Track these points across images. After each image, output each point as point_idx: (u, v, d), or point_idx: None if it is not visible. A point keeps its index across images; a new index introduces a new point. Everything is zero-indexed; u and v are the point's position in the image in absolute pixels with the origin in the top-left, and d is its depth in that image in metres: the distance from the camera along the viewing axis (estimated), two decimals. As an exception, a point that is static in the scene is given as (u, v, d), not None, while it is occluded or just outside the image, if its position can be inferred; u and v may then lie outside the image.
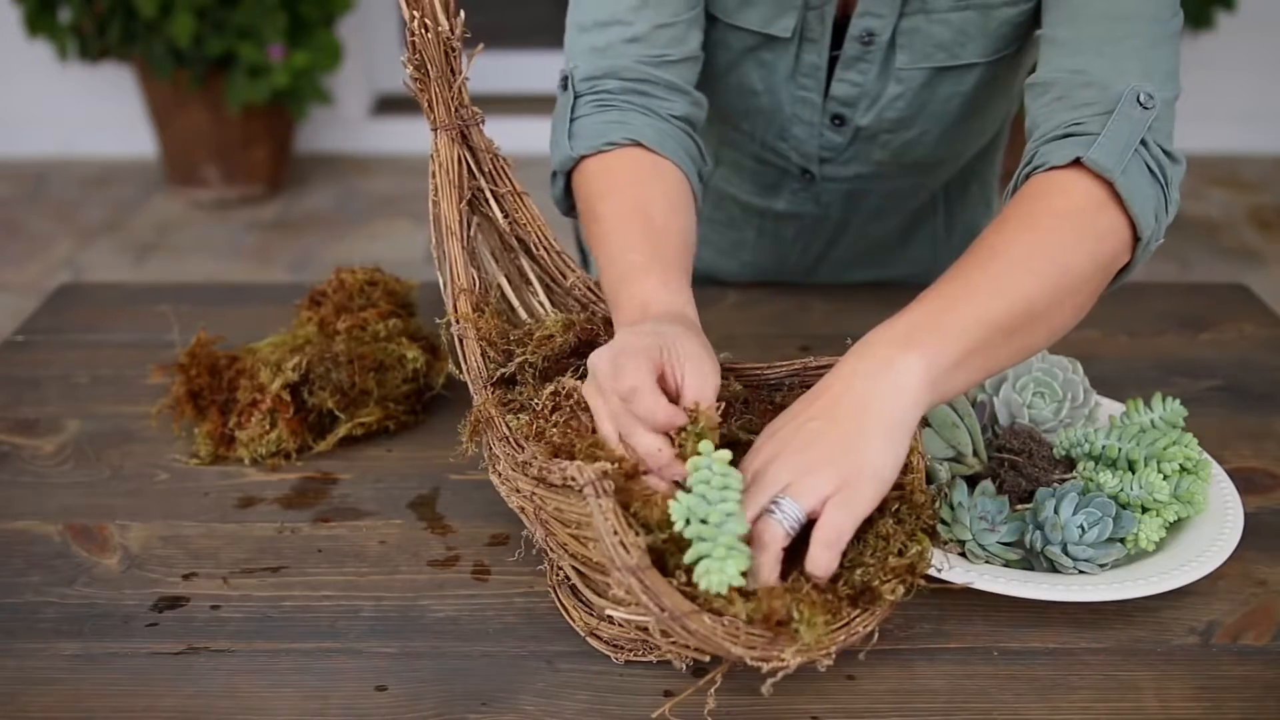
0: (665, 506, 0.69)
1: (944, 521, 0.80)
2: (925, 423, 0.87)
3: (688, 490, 0.68)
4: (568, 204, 1.00)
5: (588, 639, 0.76)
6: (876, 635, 0.70)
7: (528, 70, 3.81)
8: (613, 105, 0.95)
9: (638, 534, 0.66)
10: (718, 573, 0.64)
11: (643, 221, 0.88)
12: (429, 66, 0.90)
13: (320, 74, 3.35)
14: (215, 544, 0.87)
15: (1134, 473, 0.84)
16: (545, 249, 0.93)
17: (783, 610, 0.66)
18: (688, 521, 0.66)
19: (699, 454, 0.69)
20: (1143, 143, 0.84)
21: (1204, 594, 0.81)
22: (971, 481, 0.86)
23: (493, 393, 0.82)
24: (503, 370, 0.84)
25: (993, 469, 0.88)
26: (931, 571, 0.75)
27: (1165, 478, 0.83)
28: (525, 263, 0.94)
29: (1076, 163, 0.83)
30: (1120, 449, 0.85)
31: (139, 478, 0.96)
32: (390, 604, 0.81)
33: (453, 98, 0.91)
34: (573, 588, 0.78)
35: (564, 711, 0.72)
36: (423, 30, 0.88)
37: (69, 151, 3.87)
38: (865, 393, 0.72)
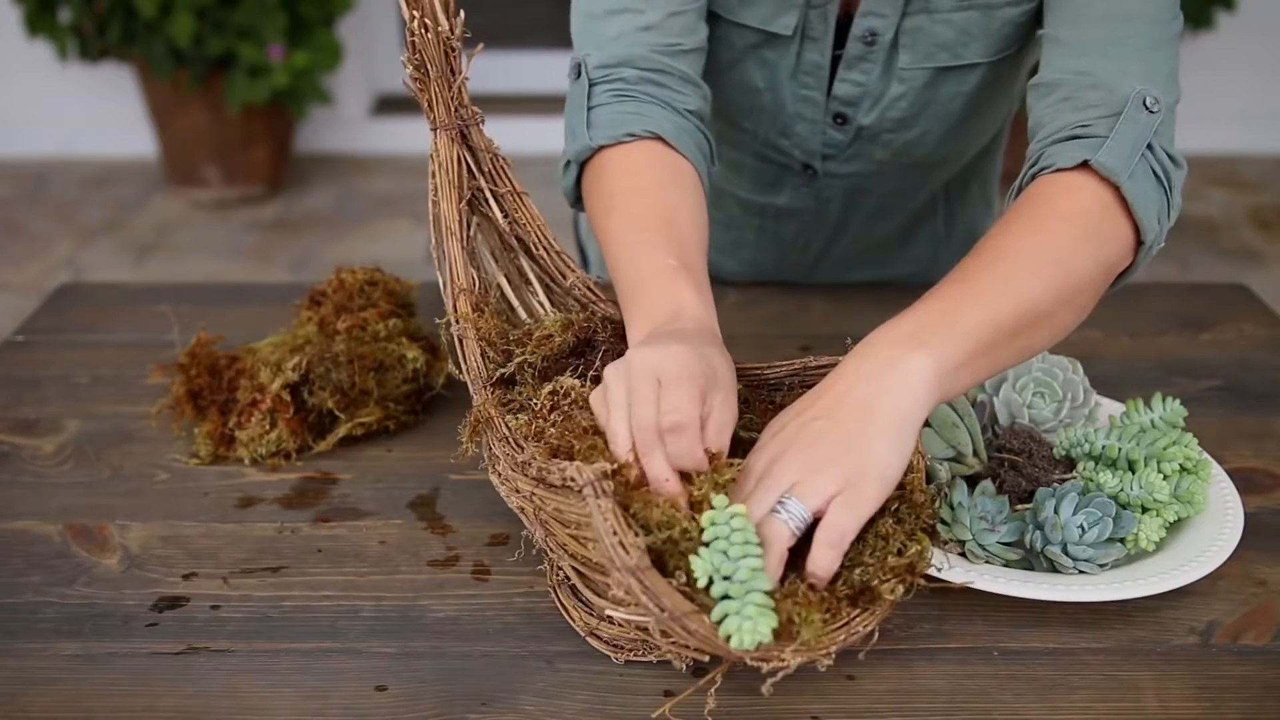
0: (665, 508, 0.69)
1: (944, 521, 0.80)
2: (925, 423, 0.87)
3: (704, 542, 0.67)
4: (578, 193, 0.99)
5: (588, 639, 0.76)
6: (876, 635, 0.70)
7: (528, 70, 3.81)
8: (630, 95, 0.94)
9: (637, 534, 0.66)
10: (750, 632, 0.63)
11: (670, 228, 0.87)
12: (429, 66, 0.90)
13: (320, 74, 3.35)
14: (215, 544, 0.87)
15: (1134, 473, 0.84)
16: (545, 249, 0.93)
17: (783, 614, 0.66)
18: (711, 581, 0.66)
19: (713, 507, 0.68)
20: (1149, 147, 0.84)
21: (1204, 594, 0.81)
22: (971, 481, 0.86)
23: (492, 393, 0.82)
24: (502, 370, 0.84)
25: (993, 469, 0.88)
26: (931, 571, 0.75)
27: (1165, 478, 0.83)
28: (525, 263, 0.94)
29: (1083, 165, 0.83)
30: (1120, 449, 0.85)
31: (139, 478, 0.96)
32: (390, 604, 0.81)
33: (452, 97, 0.91)
34: (573, 588, 0.78)
35: (564, 711, 0.72)
36: (423, 30, 0.88)
37: (69, 151, 3.87)
38: (871, 392, 0.72)
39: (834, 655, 0.66)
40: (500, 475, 0.79)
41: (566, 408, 0.78)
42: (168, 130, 3.48)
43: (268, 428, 0.96)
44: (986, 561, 0.80)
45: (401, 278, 1.11)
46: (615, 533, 0.64)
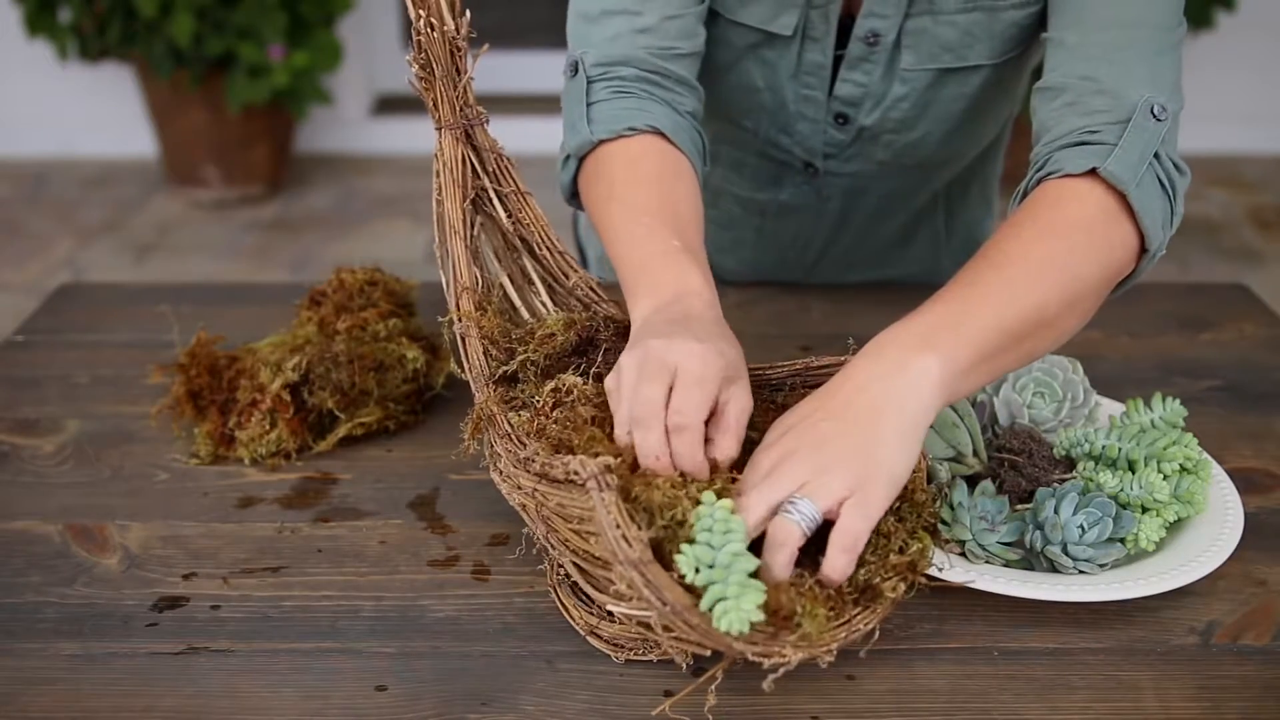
0: (666, 489, 0.69)
1: (944, 521, 0.81)
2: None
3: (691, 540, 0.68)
4: (574, 189, 0.98)
5: (588, 638, 0.76)
6: (877, 634, 0.71)
7: (532, 70, 3.81)
8: (630, 92, 0.94)
9: (640, 528, 0.66)
10: (735, 610, 0.63)
11: (673, 215, 0.88)
12: (434, 66, 0.90)
13: (320, 74, 3.35)
14: (215, 544, 0.87)
15: (1134, 473, 0.84)
16: (548, 249, 0.93)
17: (787, 605, 0.66)
18: (697, 570, 0.66)
19: (701, 503, 0.68)
20: (1155, 155, 0.85)
21: (1204, 594, 0.81)
22: (971, 481, 0.86)
23: (494, 391, 0.83)
24: (505, 368, 0.84)
25: (993, 469, 0.88)
26: (931, 571, 0.75)
27: (1165, 478, 0.83)
28: (528, 262, 0.94)
29: (1091, 172, 0.83)
30: (1120, 449, 0.85)
31: (139, 478, 0.96)
32: (390, 604, 0.81)
33: (457, 97, 0.91)
34: (573, 586, 0.78)
35: (564, 711, 0.71)
36: (428, 29, 0.88)
37: (69, 151, 3.87)
38: (880, 394, 0.73)
39: (835, 653, 0.66)
40: (502, 473, 0.79)
41: (568, 405, 0.78)
42: (168, 130, 3.48)
43: (268, 428, 0.96)
44: (986, 561, 0.80)
45: (401, 278, 1.11)
46: (618, 526, 0.64)
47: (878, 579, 0.70)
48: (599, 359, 0.84)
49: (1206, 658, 0.76)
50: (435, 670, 0.75)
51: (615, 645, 0.75)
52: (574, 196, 0.99)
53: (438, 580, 0.84)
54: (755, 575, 0.66)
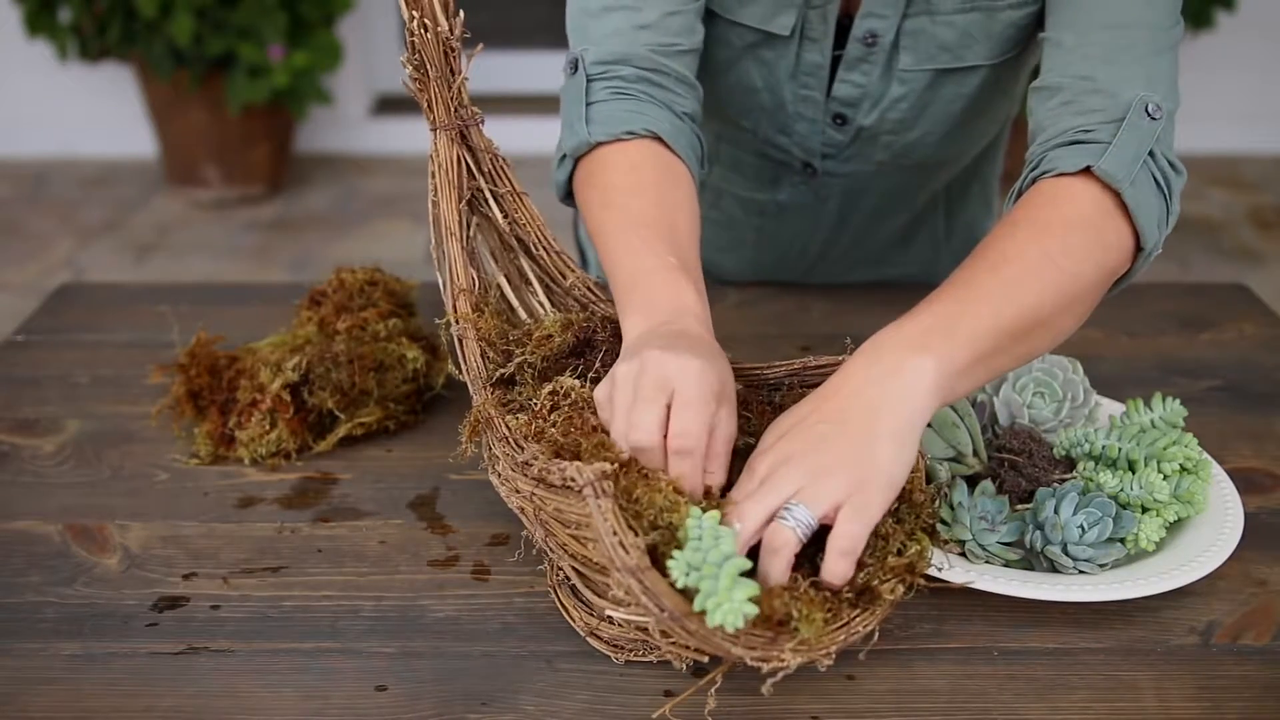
0: (669, 492, 0.69)
1: (944, 521, 0.81)
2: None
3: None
4: (569, 188, 0.98)
5: (588, 639, 0.76)
6: (876, 635, 0.70)
7: (528, 70, 3.82)
8: (629, 94, 0.94)
9: (637, 534, 0.66)
10: (728, 604, 0.63)
11: (669, 228, 0.87)
12: (428, 66, 0.90)
13: (320, 74, 3.35)
14: (215, 544, 0.87)
15: (1134, 473, 0.84)
16: (545, 249, 0.93)
17: (782, 610, 0.66)
18: (688, 574, 0.66)
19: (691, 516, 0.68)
20: (1150, 154, 0.85)
21: (1204, 594, 0.81)
22: (971, 481, 0.86)
23: (492, 393, 0.82)
24: (502, 371, 0.84)
25: (993, 469, 0.88)
26: (931, 571, 0.75)
27: (1165, 478, 0.83)
28: (525, 263, 0.94)
29: (1086, 171, 0.83)
30: (1120, 449, 0.85)
31: (139, 478, 0.96)
32: (390, 604, 0.81)
33: (452, 98, 0.91)
34: (573, 588, 0.78)
35: (564, 711, 0.72)
36: (422, 30, 0.88)
37: (69, 151, 3.87)
38: (876, 397, 0.72)
39: (834, 655, 0.66)
40: (500, 475, 0.79)
41: (566, 408, 0.78)
42: (168, 130, 3.48)
43: (268, 428, 0.96)
44: (986, 561, 0.80)
45: (401, 278, 1.11)
46: (615, 533, 0.64)
47: (876, 581, 0.70)
48: (597, 361, 0.84)
49: (1206, 658, 0.76)
50: (435, 670, 0.75)
51: (615, 646, 0.75)
52: (568, 196, 0.99)
53: (438, 580, 0.84)
54: (749, 576, 0.66)
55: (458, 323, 0.86)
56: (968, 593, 0.78)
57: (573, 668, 0.75)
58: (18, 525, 0.90)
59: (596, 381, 0.79)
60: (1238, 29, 3.57)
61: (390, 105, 4.01)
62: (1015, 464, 0.87)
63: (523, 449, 0.75)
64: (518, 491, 0.75)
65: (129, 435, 1.02)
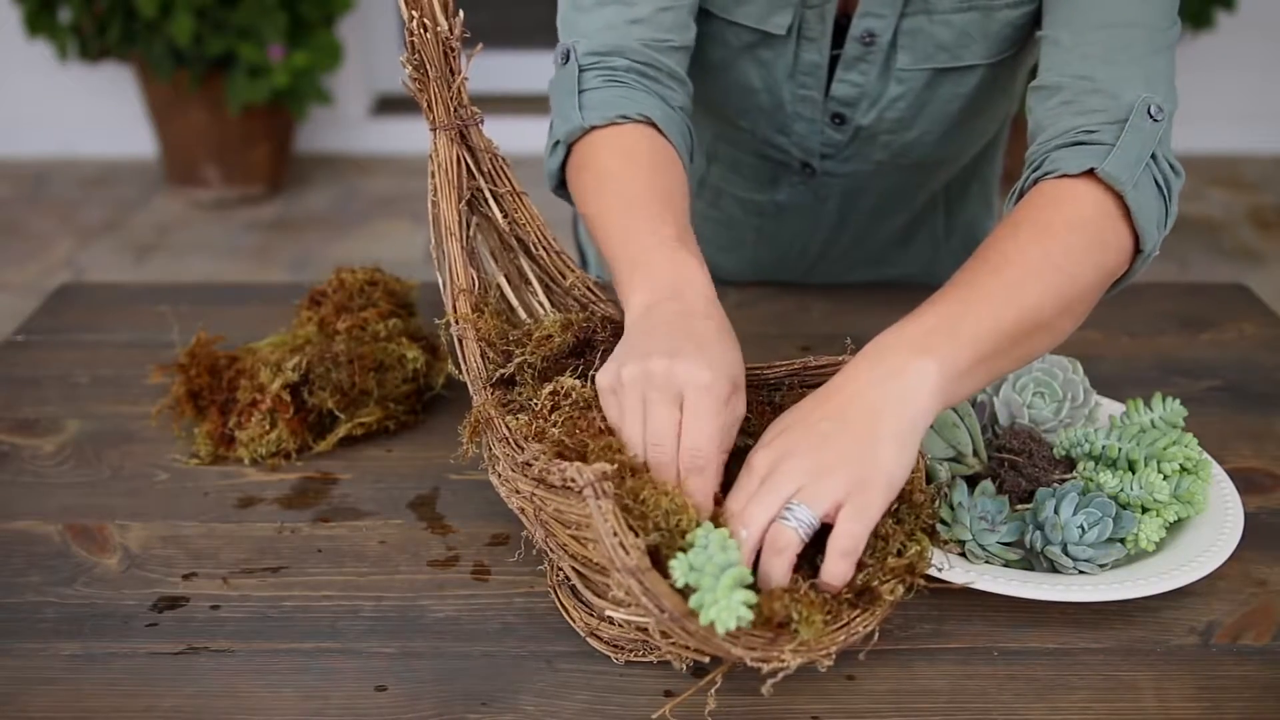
0: (675, 494, 0.69)
1: (944, 521, 0.80)
2: (925, 423, 0.87)
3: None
4: (561, 177, 0.98)
5: (588, 639, 0.76)
6: (876, 635, 0.70)
7: (527, 70, 3.81)
8: (622, 82, 0.94)
9: (637, 535, 0.66)
10: (725, 602, 0.63)
11: (666, 207, 0.87)
12: (428, 66, 0.90)
13: (320, 74, 3.35)
14: (215, 544, 0.87)
15: (1134, 473, 0.84)
16: (545, 249, 0.93)
17: (782, 611, 0.66)
18: (689, 573, 0.66)
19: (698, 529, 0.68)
20: (1152, 156, 0.85)
21: (1204, 594, 0.81)
22: (971, 481, 0.86)
23: (492, 393, 0.82)
24: (502, 371, 0.84)
25: (993, 469, 0.88)
26: (931, 571, 0.75)
27: (1165, 478, 0.83)
28: (524, 263, 0.94)
29: (1088, 173, 0.83)
30: (1120, 449, 0.85)
31: (139, 478, 0.96)
32: (390, 604, 0.81)
33: (452, 98, 0.91)
34: (573, 588, 0.78)
35: (564, 711, 0.72)
36: (421, 30, 0.88)
37: (69, 151, 3.87)
38: (878, 397, 0.72)
39: (834, 655, 0.66)
40: (500, 476, 0.78)
41: (567, 408, 0.78)
42: (168, 130, 3.48)
43: (268, 428, 0.96)
44: (986, 561, 0.80)
45: (401, 278, 1.11)
46: (615, 534, 0.64)
47: (876, 581, 0.70)
48: (597, 360, 0.84)
49: (1206, 658, 0.76)
50: (435, 670, 0.75)
51: (615, 647, 0.75)
52: (561, 185, 0.98)
53: (438, 580, 0.84)
54: (751, 588, 0.66)
55: (458, 323, 0.86)
56: (968, 593, 0.78)
57: (573, 668, 0.75)
58: (18, 525, 0.90)
59: (597, 381, 0.79)
60: (1238, 29, 3.57)
61: (390, 105, 4.01)
62: (1015, 464, 0.87)
63: (523, 449, 0.75)
64: (518, 492, 0.75)
65: (129, 435, 1.02)
